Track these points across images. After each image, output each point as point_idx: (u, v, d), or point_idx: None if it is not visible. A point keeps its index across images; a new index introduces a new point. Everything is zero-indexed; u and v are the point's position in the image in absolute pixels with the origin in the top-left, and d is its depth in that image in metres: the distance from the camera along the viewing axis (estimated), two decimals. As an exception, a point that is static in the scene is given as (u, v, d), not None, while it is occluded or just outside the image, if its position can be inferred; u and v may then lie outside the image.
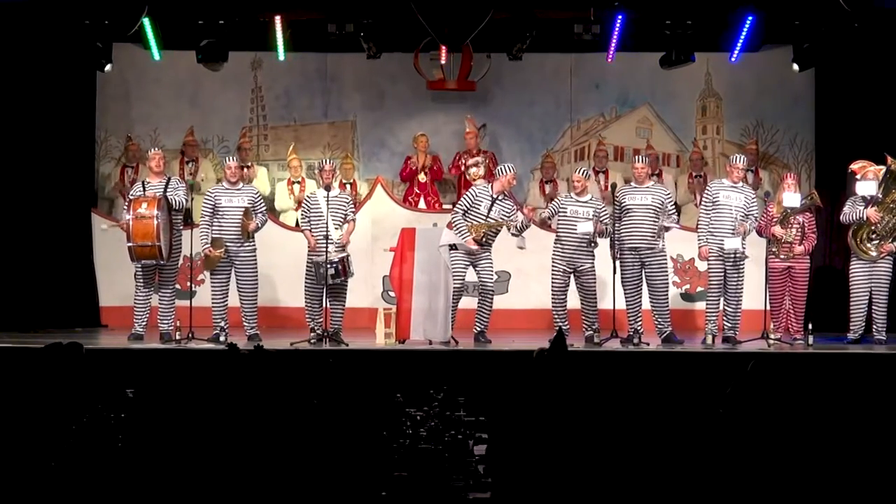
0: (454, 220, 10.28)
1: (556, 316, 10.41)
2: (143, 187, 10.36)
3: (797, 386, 4.91)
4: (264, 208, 10.61)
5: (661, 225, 10.21)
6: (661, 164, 12.90)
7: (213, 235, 10.24)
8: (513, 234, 10.39)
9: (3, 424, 4.82)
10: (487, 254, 10.27)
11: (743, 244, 10.18)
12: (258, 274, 10.47)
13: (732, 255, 10.13)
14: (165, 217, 10.06)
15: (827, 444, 4.47)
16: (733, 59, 12.24)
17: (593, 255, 10.35)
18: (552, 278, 10.40)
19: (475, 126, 12.63)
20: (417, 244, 10.12)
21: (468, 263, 10.23)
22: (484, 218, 10.20)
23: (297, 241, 10.92)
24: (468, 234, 10.10)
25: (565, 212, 10.36)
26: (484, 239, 10.18)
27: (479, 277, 10.29)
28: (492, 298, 10.41)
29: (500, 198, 10.30)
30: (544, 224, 10.92)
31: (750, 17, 11.65)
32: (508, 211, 10.34)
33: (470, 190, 10.60)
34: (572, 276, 10.35)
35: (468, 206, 10.26)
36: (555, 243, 10.41)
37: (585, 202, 10.37)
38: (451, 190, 12.88)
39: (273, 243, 10.53)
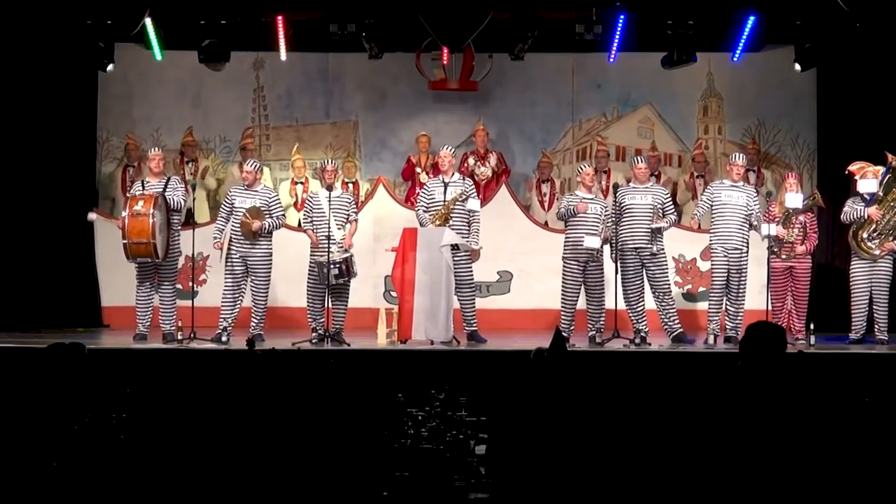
0: (417, 216, 10.43)
1: (563, 316, 10.36)
2: (143, 186, 10.38)
3: (798, 386, 4.92)
4: (281, 212, 10.55)
5: (653, 227, 10.15)
6: (663, 164, 12.90)
7: (242, 220, 10.22)
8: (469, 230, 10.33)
9: (5, 424, 4.83)
10: (465, 252, 10.24)
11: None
12: (271, 275, 10.48)
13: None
14: (163, 216, 10.06)
15: (828, 444, 4.47)
16: (735, 59, 12.24)
17: (602, 250, 10.32)
18: (563, 276, 10.34)
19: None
20: (419, 244, 10.12)
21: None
22: (443, 203, 10.24)
23: (299, 242, 10.92)
24: (431, 223, 10.15)
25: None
26: (449, 219, 10.16)
27: (454, 275, 10.16)
28: (472, 295, 10.41)
29: (450, 181, 10.35)
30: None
31: (752, 18, 11.65)
32: (465, 189, 10.36)
33: (422, 189, 10.64)
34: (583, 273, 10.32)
35: (426, 202, 10.36)
36: (565, 241, 10.38)
37: (593, 200, 10.35)
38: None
39: (274, 243, 10.52)
